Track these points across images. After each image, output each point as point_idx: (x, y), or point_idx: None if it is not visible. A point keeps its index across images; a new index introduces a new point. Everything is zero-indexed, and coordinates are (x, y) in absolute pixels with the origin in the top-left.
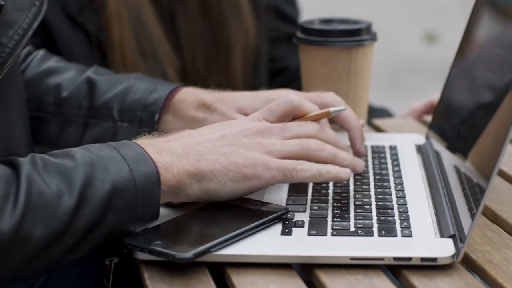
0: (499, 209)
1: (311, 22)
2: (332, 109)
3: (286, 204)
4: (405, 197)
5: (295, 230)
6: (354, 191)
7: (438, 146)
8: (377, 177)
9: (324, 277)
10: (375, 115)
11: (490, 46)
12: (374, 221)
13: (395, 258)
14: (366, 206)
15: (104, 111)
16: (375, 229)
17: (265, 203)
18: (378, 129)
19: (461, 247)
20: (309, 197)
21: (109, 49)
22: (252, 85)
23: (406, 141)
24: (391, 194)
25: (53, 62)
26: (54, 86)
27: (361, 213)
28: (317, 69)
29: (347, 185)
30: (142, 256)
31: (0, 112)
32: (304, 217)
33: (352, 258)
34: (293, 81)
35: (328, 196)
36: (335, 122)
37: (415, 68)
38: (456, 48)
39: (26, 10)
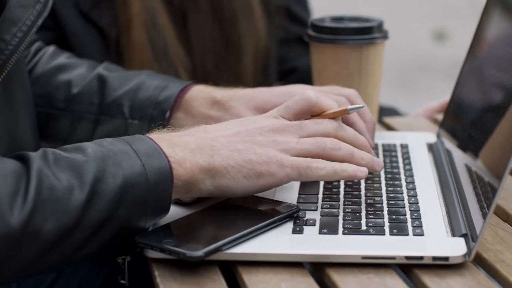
0: (511, 208)
1: (322, 20)
2: (349, 107)
3: (297, 202)
4: (416, 195)
5: (306, 228)
6: (366, 189)
7: (450, 144)
8: (389, 176)
9: (335, 276)
10: (384, 114)
11: (502, 45)
12: (386, 219)
13: (407, 257)
14: (377, 205)
15: (115, 108)
16: (386, 228)
17: (276, 202)
18: (389, 128)
19: (473, 246)
20: (320, 195)
21: (127, 49)
22: (262, 86)
23: (417, 139)
24: (402, 193)
25: (63, 58)
26: (65, 83)
27: (372, 212)
28: (328, 67)
29: (358, 183)
30: (153, 254)
31: (6, 108)
32: (315, 215)
33: (364, 257)
34: (302, 83)
35: (339, 194)
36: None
37: (425, 67)
38: (467, 47)
39: (31, 7)
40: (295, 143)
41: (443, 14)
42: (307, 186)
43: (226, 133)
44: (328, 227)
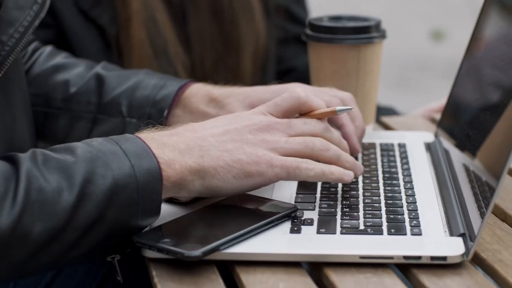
0: (509, 207)
1: (320, 19)
2: (338, 108)
3: (295, 202)
4: (414, 195)
5: (304, 228)
6: (363, 189)
7: (447, 144)
8: (386, 175)
9: (333, 275)
10: (382, 113)
11: (499, 45)
12: (384, 219)
13: (405, 257)
14: (375, 204)
15: (113, 107)
16: (384, 228)
17: (274, 201)
18: (386, 127)
19: (471, 246)
20: (318, 195)
21: (126, 47)
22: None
23: (415, 139)
24: (400, 192)
25: (61, 58)
26: (63, 82)
27: (370, 211)
28: (326, 66)
29: (356, 183)
30: (150, 254)
31: (4, 109)
32: (313, 215)
33: (362, 257)
34: (300, 82)
35: (337, 194)
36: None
37: (422, 66)
38: (465, 46)
39: (28, 8)
40: (284, 142)
41: (441, 13)
42: (305, 186)
43: (215, 132)
44: (326, 227)
